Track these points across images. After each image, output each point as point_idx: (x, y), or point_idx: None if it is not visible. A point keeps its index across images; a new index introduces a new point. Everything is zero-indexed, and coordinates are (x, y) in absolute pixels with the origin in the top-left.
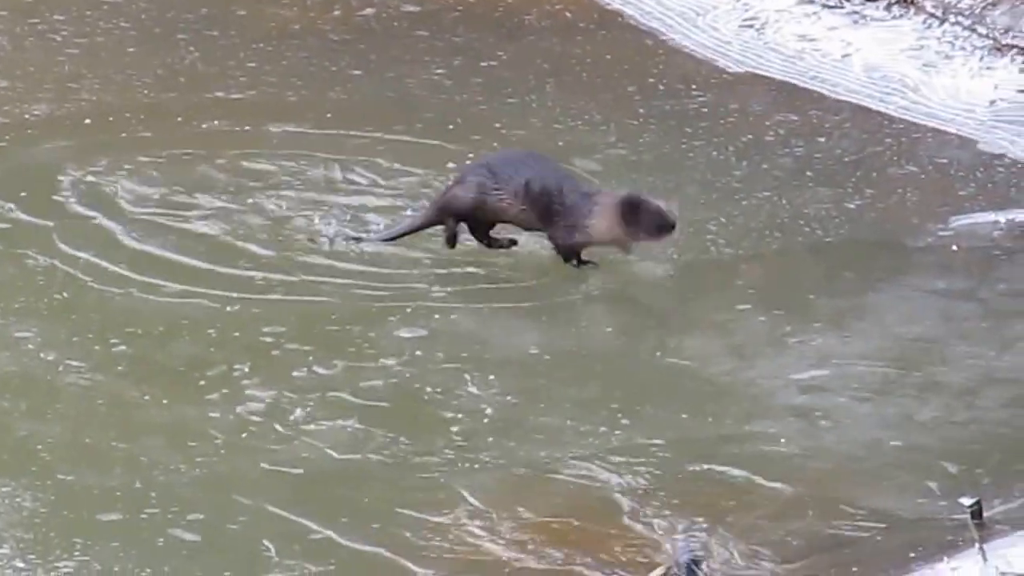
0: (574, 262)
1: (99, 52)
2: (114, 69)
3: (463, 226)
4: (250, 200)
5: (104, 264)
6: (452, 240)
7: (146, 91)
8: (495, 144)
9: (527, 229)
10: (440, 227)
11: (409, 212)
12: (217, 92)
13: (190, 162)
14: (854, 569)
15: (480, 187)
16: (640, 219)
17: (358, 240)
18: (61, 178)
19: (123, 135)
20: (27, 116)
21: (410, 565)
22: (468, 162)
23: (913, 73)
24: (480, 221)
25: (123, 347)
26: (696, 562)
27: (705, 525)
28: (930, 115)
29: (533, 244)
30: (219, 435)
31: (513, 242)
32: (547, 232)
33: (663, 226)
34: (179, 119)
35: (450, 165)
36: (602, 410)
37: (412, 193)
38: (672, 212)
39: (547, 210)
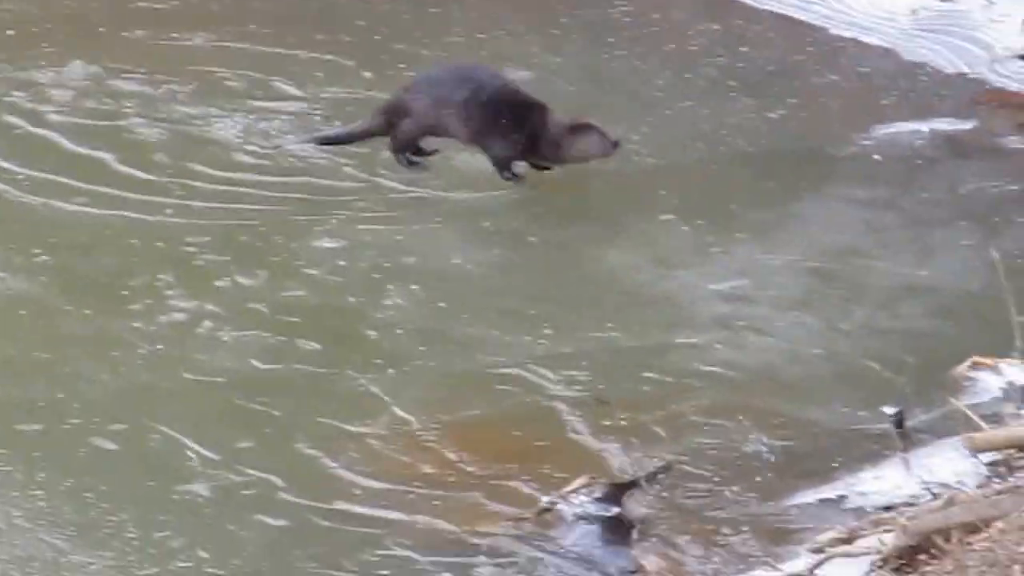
0: (508, 174)
1: None
2: None
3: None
4: (174, 109)
5: (26, 175)
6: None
7: (68, 1)
8: (421, 52)
9: (463, 143)
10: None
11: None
12: (140, 2)
13: (114, 72)
14: (778, 476)
15: (425, 115)
16: (585, 141)
17: (298, 141)
18: None
19: (46, 46)
20: None
21: (334, 475)
22: (405, 84)
23: None
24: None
25: (45, 257)
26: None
27: (632, 438)
28: (852, 24)
29: (456, 157)
30: (141, 345)
31: (434, 151)
32: (483, 144)
33: (606, 147)
34: (102, 29)
35: (367, 75)
36: (527, 321)
37: (334, 102)
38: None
39: (486, 125)
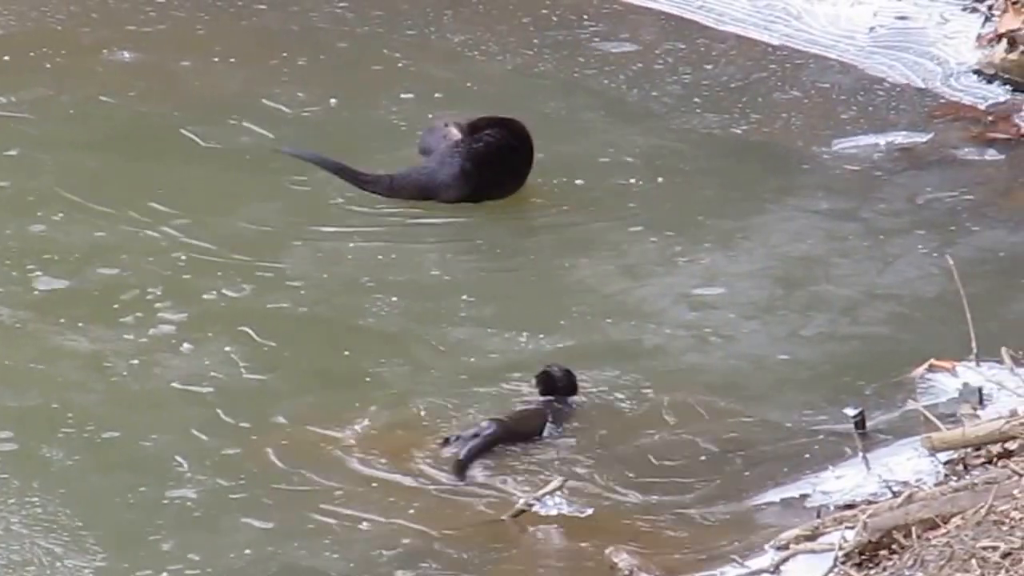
0: None
1: None
2: (29, 6)
3: None
4: (165, 128)
5: (21, 195)
6: None
7: (59, 27)
8: (396, 76)
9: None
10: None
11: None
12: (128, 26)
13: (106, 96)
14: (744, 476)
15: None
16: None
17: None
18: None
19: (39, 69)
20: None
21: (316, 479)
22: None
23: (796, 1)
24: None
25: (39, 273)
26: None
27: (603, 440)
28: (812, 42)
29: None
30: (133, 356)
31: None
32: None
33: None
34: (99, 51)
35: (331, 101)
36: (503, 328)
37: (316, 122)
38: None
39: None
